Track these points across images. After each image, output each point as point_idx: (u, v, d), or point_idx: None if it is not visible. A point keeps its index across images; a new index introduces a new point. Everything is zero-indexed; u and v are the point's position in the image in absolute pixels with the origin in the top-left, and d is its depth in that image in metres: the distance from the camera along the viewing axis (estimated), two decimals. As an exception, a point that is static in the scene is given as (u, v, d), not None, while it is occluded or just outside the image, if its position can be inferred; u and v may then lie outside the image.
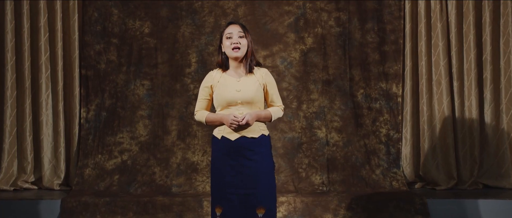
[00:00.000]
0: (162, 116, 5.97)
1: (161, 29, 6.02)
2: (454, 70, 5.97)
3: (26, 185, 5.97)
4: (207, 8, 6.02)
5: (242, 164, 3.77)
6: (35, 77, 6.02)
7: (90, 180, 5.80)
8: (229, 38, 3.85)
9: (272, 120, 3.90)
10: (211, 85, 3.90)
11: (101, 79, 6.00)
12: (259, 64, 3.95)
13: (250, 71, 3.87)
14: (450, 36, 5.98)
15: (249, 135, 3.80)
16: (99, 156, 5.91)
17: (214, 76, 3.91)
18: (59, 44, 5.98)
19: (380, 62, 6.01)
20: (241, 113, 3.78)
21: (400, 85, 6.01)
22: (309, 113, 5.96)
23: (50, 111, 6.00)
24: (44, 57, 5.97)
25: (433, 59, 5.99)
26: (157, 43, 6.02)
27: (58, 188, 5.93)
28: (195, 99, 5.89)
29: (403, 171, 6.00)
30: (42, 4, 5.97)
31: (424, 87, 6.01)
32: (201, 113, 3.93)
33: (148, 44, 6.02)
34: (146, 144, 5.93)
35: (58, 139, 5.99)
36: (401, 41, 6.03)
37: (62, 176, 5.98)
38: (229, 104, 3.81)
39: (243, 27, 3.89)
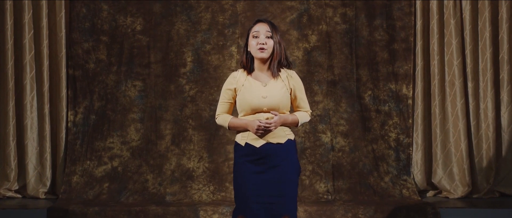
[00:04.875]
0: (155, 119, 5.96)
1: (154, 26, 6.01)
2: (468, 70, 5.96)
3: (10, 194, 5.95)
4: (203, 3, 6.01)
5: (268, 171, 3.77)
6: (18, 78, 6.00)
7: (78, 188, 5.79)
8: (256, 37, 3.84)
9: (299, 125, 3.91)
10: (235, 88, 3.87)
11: (90, 79, 5.98)
12: (289, 65, 3.93)
13: (276, 75, 3.85)
14: (464, 34, 5.97)
15: (275, 141, 3.80)
16: (88, 162, 5.89)
17: (238, 79, 3.88)
18: (45, 42, 5.97)
19: (389, 62, 6.00)
20: (266, 119, 3.77)
21: (411, 86, 5.99)
22: (313, 116, 5.94)
23: (35, 114, 5.99)
24: (28, 56, 5.95)
25: (446, 58, 5.98)
26: (149, 41, 6.01)
27: (43, 196, 5.92)
28: (191, 101, 5.94)
29: (414, 178, 5.99)
30: (26, 0, 5.95)
31: (436, 88, 6.01)
32: (223, 117, 3.92)
33: (140, 42, 6.01)
34: (138, 149, 5.92)
35: (44, 144, 5.98)
36: (412, 39, 6.02)
37: (48, 183, 5.97)
38: (254, 111, 3.80)
39: (272, 26, 3.87)
